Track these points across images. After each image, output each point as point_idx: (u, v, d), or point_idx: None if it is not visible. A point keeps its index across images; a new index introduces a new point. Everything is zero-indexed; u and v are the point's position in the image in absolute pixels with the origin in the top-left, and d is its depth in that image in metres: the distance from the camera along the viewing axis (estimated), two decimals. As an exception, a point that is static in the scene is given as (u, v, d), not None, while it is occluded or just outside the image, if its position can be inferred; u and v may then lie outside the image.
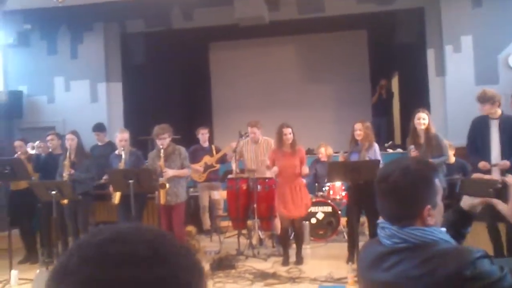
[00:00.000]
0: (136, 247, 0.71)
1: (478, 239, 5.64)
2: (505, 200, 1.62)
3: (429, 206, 1.54)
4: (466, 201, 1.75)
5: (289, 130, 6.22)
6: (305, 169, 6.27)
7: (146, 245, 0.71)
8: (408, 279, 1.47)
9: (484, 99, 5.59)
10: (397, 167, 1.57)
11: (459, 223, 1.75)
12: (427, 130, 5.91)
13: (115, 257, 0.69)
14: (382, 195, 1.59)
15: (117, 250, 0.70)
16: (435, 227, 1.54)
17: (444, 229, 1.57)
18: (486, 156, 5.66)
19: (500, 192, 1.61)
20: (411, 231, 1.51)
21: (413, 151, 5.90)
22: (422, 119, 5.91)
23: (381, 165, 5.92)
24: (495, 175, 5.52)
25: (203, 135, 8.13)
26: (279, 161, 6.25)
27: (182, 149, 6.26)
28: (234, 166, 7.17)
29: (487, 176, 1.77)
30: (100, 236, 0.72)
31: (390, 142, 10.04)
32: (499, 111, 5.63)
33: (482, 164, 5.59)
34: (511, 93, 8.43)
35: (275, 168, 6.20)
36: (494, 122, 5.62)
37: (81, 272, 0.68)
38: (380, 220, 1.63)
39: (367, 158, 5.94)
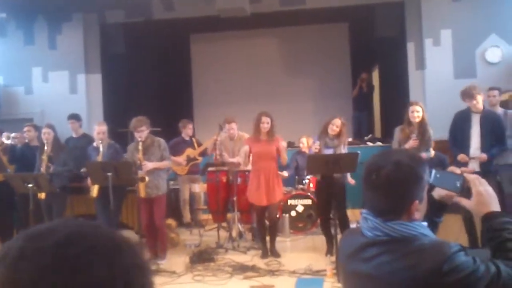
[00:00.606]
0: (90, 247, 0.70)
1: (453, 230, 5.74)
2: (467, 195, 1.64)
3: (417, 201, 1.55)
4: (437, 192, 1.76)
5: (268, 119, 6.17)
6: (285, 157, 6.28)
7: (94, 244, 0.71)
8: (387, 272, 1.49)
9: (466, 95, 5.75)
10: (388, 161, 1.56)
11: (431, 212, 1.76)
12: (421, 122, 5.95)
13: (70, 262, 0.68)
14: (371, 188, 1.58)
15: (72, 254, 0.69)
16: (418, 222, 1.55)
17: (425, 223, 1.58)
18: (466, 149, 5.80)
19: (462, 186, 1.63)
20: (394, 225, 1.52)
21: (414, 140, 5.90)
22: (416, 112, 5.95)
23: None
24: (473, 167, 5.64)
25: (189, 129, 8.12)
26: (254, 147, 6.22)
27: (162, 141, 6.21)
28: (217, 154, 7.12)
29: (457, 170, 1.78)
30: (51, 240, 0.70)
31: (370, 136, 10.11)
32: (481, 106, 5.75)
33: (460, 157, 5.72)
34: (488, 87, 8.58)
35: (246, 147, 6.15)
36: (476, 116, 5.74)
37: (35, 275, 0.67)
38: (364, 210, 1.62)
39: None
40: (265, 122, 6.15)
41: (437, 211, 1.78)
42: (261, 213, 6.29)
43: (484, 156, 5.64)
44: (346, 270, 1.71)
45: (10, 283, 0.67)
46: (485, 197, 1.59)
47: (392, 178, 1.52)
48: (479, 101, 5.75)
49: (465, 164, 5.75)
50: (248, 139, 6.42)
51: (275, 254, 6.23)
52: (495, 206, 1.59)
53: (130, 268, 0.73)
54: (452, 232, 5.78)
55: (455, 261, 1.41)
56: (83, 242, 0.71)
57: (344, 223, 5.98)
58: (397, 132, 6.12)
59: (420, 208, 1.56)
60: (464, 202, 1.63)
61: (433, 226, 1.75)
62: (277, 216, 6.59)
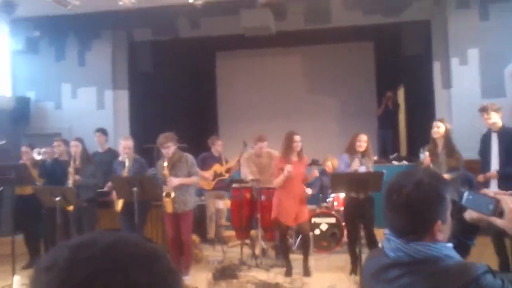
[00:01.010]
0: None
1: (483, 252, 5.61)
2: (500, 215, 1.61)
3: (439, 222, 1.52)
4: (469, 213, 1.73)
5: (299, 137, 6.19)
6: (314, 172, 6.31)
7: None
8: None
9: (480, 110, 5.75)
10: (410, 180, 1.54)
11: (462, 234, 1.73)
12: (445, 138, 5.90)
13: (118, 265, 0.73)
14: (393, 208, 1.56)
15: (118, 259, 0.73)
16: (442, 243, 1.52)
17: (450, 245, 1.55)
18: (487, 168, 5.76)
19: (495, 209, 1.60)
20: (417, 246, 1.50)
21: (427, 157, 5.86)
22: (436, 128, 5.91)
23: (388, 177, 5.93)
24: (493, 186, 5.58)
25: (219, 146, 8.14)
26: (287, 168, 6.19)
27: (189, 157, 6.23)
28: (248, 176, 7.08)
29: (490, 192, 1.74)
30: (97, 248, 0.75)
31: (396, 154, 10.02)
32: (499, 123, 5.71)
33: (479, 177, 5.72)
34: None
35: (289, 166, 6.02)
36: (494, 135, 5.73)
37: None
38: (387, 231, 1.61)
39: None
40: (297, 140, 6.14)
41: (469, 233, 1.74)
42: (285, 231, 6.27)
43: (493, 173, 5.60)
44: None
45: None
46: None
47: (413, 198, 1.50)
48: (492, 117, 5.70)
49: (486, 184, 5.71)
50: (280, 160, 6.29)
51: (307, 272, 6.17)
52: None
53: (166, 273, 0.77)
54: (482, 255, 5.66)
55: (482, 283, 1.37)
56: (125, 250, 0.75)
57: (372, 241, 5.93)
58: (421, 155, 6.06)
59: (443, 229, 1.53)
60: (497, 221, 1.61)
61: (465, 249, 1.72)
62: (309, 233, 6.54)
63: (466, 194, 1.68)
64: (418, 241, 1.51)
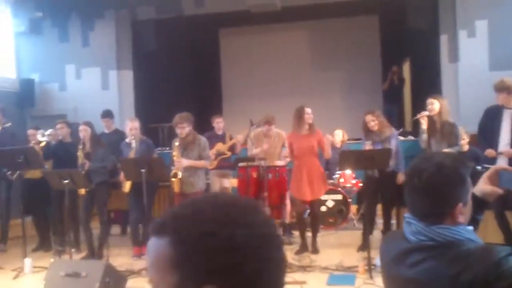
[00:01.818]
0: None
1: (487, 227, 5.62)
2: None
3: (461, 204, 1.52)
4: (480, 188, 1.72)
5: (310, 110, 6.21)
6: (328, 151, 6.32)
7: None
8: (433, 278, 1.46)
9: (501, 87, 5.56)
10: (431, 163, 1.53)
11: (472, 209, 1.73)
12: (439, 116, 5.84)
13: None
14: (414, 191, 1.56)
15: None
16: (463, 226, 1.52)
17: (471, 228, 1.55)
18: (494, 145, 5.67)
19: None
20: (438, 229, 1.49)
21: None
22: (430, 105, 5.86)
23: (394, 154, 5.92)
24: (501, 163, 5.52)
25: (218, 123, 8.11)
26: (296, 143, 6.22)
27: (203, 139, 6.20)
28: (254, 150, 7.06)
29: (502, 166, 1.73)
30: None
31: (401, 129, 9.95)
32: None
33: (488, 152, 5.63)
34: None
35: (285, 152, 6.13)
36: (508, 112, 5.59)
37: None
38: (407, 214, 1.60)
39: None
40: (309, 113, 6.15)
41: (478, 208, 1.73)
42: (302, 208, 6.31)
43: (511, 151, 5.50)
44: (389, 275, 1.68)
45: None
46: None
47: (434, 181, 1.50)
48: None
49: (493, 159, 5.64)
50: (289, 136, 6.36)
51: (315, 250, 6.23)
52: None
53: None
54: (486, 230, 5.67)
55: (505, 265, 1.37)
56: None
57: (387, 220, 5.98)
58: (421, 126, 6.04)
59: (464, 212, 1.53)
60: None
61: (474, 223, 1.71)
62: (320, 210, 6.57)
63: (502, 175, 1.67)
64: (440, 224, 1.50)
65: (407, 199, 1.60)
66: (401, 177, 5.89)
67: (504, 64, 8.39)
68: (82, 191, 6.10)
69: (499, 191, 1.67)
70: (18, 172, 6.37)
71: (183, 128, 5.99)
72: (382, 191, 6.03)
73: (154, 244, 0.85)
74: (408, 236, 1.57)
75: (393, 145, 6.03)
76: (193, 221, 0.82)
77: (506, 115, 5.64)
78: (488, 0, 8.59)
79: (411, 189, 1.56)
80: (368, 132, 6.13)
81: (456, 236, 1.48)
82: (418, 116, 5.88)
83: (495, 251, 1.41)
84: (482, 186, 1.70)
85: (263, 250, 0.82)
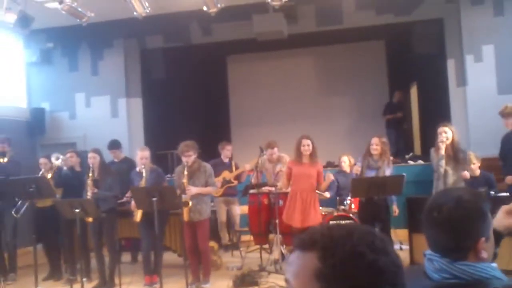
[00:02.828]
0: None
1: (503, 253, 5.54)
2: None
3: (483, 239, 1.49)
4: (501, 222, 1.70)
5: (308, 141, 6.23)
6: (323, 184, 6.33)
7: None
8: None
9: (507, 114, 5.59)
10: (450, 197, 1.52)
11: None
12: (452, 144, 5.85)
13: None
14: (433, 225, 1.53)
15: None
16: (487, 263, 1.48)
17: (495, 265, 1.51)
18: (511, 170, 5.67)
19: None
20: (462, 266, 1.46)
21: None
22: (444, 133, 5.86)
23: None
24: None
25: (227, 151, 8.13)
26: (295, 169, 6.27)
27: (208, 167, 6.24)
28: (254, 180, 7.10)
29: None
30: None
31: (411, 154, 9.94)
32: None
33: (508, 179, 5.60)
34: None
35: (286, 170, 6.17)
36: None
37: None
38: (428, 251, 1.57)
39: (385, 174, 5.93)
40: (306, 145, 6.19)
41: (495, 241, 1.72)
42: (296, 234, 6.26)
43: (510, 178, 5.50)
44: None
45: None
46: None
47: (455, 214, 1.48)
48: None
49: (510, 187, 5.65)
50: (290, 162, 6.45)
51: None
52: None
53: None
54: (503, 255, 5.60)
55: None
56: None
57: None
58: (432, 153, 6.03)
59: (487, 247, 1.49)
60: None
61: (493, 257, 1.70)
62: None
63: None
64: (463, 261, 1.47)
65: (426, 234, 1.57)
66: (395, 210, 6.30)
67: (511, 88, 8.41)
68: (90, 219, 6.10)
69: None
70: (27, 201, 6.38)
71: (190, 156, 6.02)
72: (378, 216, 5.92)
73: (299, 257, 0.99)
74: (431, 274, 1.52)
75: (387, 174, 6.02)
76: (344, 241, 0.96)
77: None
78: (493, 25, 8.67)
79: (431, 223, 1.54)
80: (367, 154, 6.12)
81: (482, 274, 1.44)
82: (439, 141, 5.85)
83: None
84: (509, 221, 1.68)
85: (396, 276, 0.97)
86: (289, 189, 6.74)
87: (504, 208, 1.68)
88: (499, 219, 1.70)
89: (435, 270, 1.52)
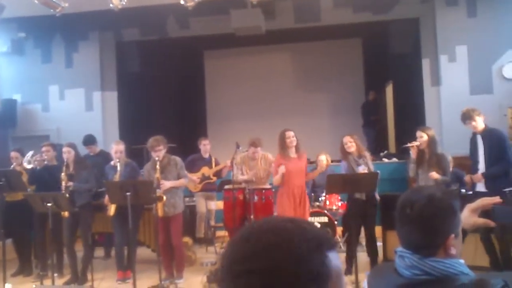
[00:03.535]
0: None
1: (469, 249, 5.66)
2: None
3: (453, 235, 1.53)
4: (469, 222, 1.74)
5: (292, 133, 6.22)
6: (311, 177, 6.30)
7: None
8: None
9: (464, 118, 5.81)
10: (422, 195, 1.56)
11: None
12: (428, 148, 5.96)
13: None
14: (406, 222, 1.56)
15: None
16: (455, 259, 1.52)
17: (462, 261, 1.55)
18: (475, 169, 5.90)
19: None
20: (433, 263, 1.49)
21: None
22: (419, 137, 5.99)
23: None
24: (480, 187, 5.70)
25: (205, 146, 8.08)
26: (286, 166, 6.16)
27: (178, 159, 6.23)
28: (240, 176, 7.01)
29: (489, 200, 1.77)
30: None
31: (386, 152, 10.06)
32: (481, 125, 5.77)
33: (466, 178, 5.84)
34: (506, 103, 8.55)
35: (282, 167, 6.06)
36: (479, 137, 5.82)
37: None
38: (399, 248, 1.60)
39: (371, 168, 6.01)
40: (290, 136, 6.17)
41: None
42: None
43: (478, 176, 5.69)
44: None
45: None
46: None
47: (426, 211, 1.52)
48: (478, 122, 5.76)
49: (473, 184, 5.84)
50: (278, 158, 6.31)
51: None
52: None
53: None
54: (468, 251, 5.72)
55: None
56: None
57: (372, 241, 6.02)
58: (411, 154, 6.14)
59: (456, 244, 1.53)
60: None
61: None
62: None
63: (496, 210, 1.70)
64: (433, 257, 1.50)
65: (398, 231, 1.60)
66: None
67: (483, 88, 8.60)
68: (66, 213, 5.99)
69: (492, 224, 1.70)
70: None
71: (160, 150, 5.98)
72: (365, 214, 6.05)
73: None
74: (401, 271, 1.55)
75: (371, 169, 6.10)
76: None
77: (479, 141, 5.87)
78: (466, 26, 8.82)
79: (403, 221, 1.57)
80: (345, 153, 6.18)
81: (451, 270, 1.48)
82: (409, 145, 6.00)
83: (490, 285, 1.41)
84: (474, 220, 1.72)
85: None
86: (267, 185, 6.74)
87: (469, 206, 1.72)
88: (465, 217, 1.74)
89: (406, 267, 1.54)
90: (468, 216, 1.71)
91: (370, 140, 10.93)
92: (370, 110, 11.20)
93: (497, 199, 1.73)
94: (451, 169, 6.89)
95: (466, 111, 5.88)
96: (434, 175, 5.84)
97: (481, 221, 1.73)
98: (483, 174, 5.77)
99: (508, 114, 8.95)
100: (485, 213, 1.73)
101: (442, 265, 1.49)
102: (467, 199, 1.79)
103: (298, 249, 0.85)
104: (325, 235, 0.90)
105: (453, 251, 1.52)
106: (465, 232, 1.73)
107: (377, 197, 6.26)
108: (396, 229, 1.61)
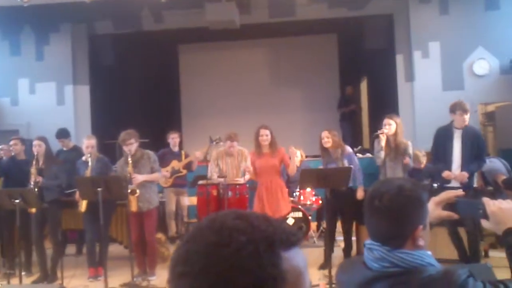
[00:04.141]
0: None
1: (439, 242, 5.75)
2: (486, 218, 1.64)
3: (421, 227, 1.54)
4: (434, 215, 1.74)
5: (266, 131, 6.18)
6: (292, 167, 6.24)
7: None
8: None
9: (453, 108, 5.75)
10: (392, 186, 1.56)
11: None
12: (394, 136, 5.98)
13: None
14: (374, 214, 1.57)
15: None
16: (423, 251, 1.53)
17: (430, 253, 1.56)
18: (447, 165, 5.79)
19: (484, 212, 1.63)
20: (401, 254, 1.50)
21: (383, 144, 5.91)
22: (388, 125, 5.98)
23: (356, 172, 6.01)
24: (454, 182, 5.70)
25: (173, 139, 7.99)
26: (257, 162, 6.21)
27: (151, 153, 6.15)
28: (214, 176, 6.95)
29: (445, 193, 1.79)
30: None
31: (360, 147, 10.12)
32: (467, 121, 5.77)
33: (446, 174, 5.70)
34: (476, 99, 8.69)
35: (249, 169, 6.10)
36: (458, 132, 5.73)
37: None
38: (368, 241, 1.59)
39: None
40: (264, 135, 6.14)
41: None
42: None
43: (464, 174, 5.63)
44: None
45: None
46: (499, 215, 1.59)
47: (395, 202, 1.52)
48: (466, 118, 5.74)
49: (448, 181, 5.79)
50: (252, 154, 6.35)
51: None
52: None
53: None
54: (439, 245, 5.80)
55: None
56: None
57: (348, 235, 6.05)
58: (375, 143, 6.15)
59: (424, 235, 1.55)
60: (485, 223, 1.64)
61: None
62: None
63: (458, 202, 1.71)
64: (401, 248, 1.51)
65: (367, 223, 1.61)
66: (360, 192, 6.00)
67: (455, 84, 8.73)
68: (33, 209, 5.85)
69: (455, 216, 1.72)
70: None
71: (131, 144, 5.89)
72: (341, 208, 6.08)
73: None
74: (370, 263, 1.56)
75: (346, 164, 6.07)
76: None
77: (456, 135, 5.78)
78: (439, 23, 8.94)
79: (372, 212, 1.57)
80: (323, 149, 6.18)
81: (418, 261, 1.50)
82: (379, 132, 5.96)
83: (456, 275, 1.43)
84: (438, 212, 1.73)
85: None
86: (241, 180, 6.71)
87: (434, 199, 1.73)
88: (430, 210, 1.74)
89: (374, 259, 1.54)
90: (433, 209, 1.72)
91: (348, 135, 10.98)
92: (348, 104, 11.22)
93: (460, 192, 1.75)
94: (423, 163, 6.99)
95: (461, 103, 5.76)
96: (408, 160, 5.90)
97: (445, 213, 1.74)
98: (463, 170, 5.63)
99: (479, 110, 9.12)
100: (449, 206, 1.74)
101: (410, 256, 1.50)
102: (438, 194, 1.81)
103: (242, 249, 0.77)
104: (281, 233, 0.82)
105: (421, 242, 1.53)
106: (431, 225, 1.75)
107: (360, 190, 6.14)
108: (365, 221, 1.61)
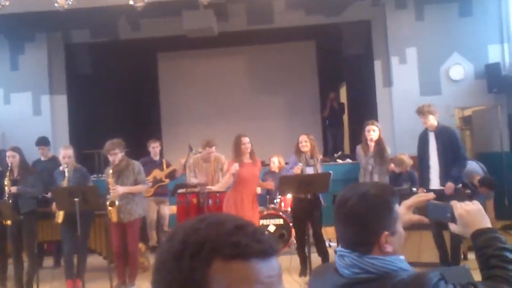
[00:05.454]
0: None
1: (424, 245, 5.79)
2: (455, 221, 1.64)
3: (386, 233, 1.51)
4: (405, 220, 1.74)
5: (247, 139, 6.15)
6: (268, 184, 6.30)
7: None
8: None
9: (420, 112, 5.89)
10: (356, 192, 1.55)
11: None
12: (378, 142, 6.02)
13: None
14: (340, 220, 1.56)
15: None
16: (395, 256, 1.51)
17: (403, 257, 1.55)
18: (426, 167, 5.91)
19: (452, 215, 1.63)
20: (372, 260, 1.48)
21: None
22: (372, 131, 6.03)
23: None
24: (434, 184, 5.77)
25: (154, 148, 7.92)
26: (241, 170, 6.05)
27: (136, 164, 6.04)
28: (193, 180, 6.90)
29: (428, 195, 1.78)
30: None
31: (340, 153, 10.17)
32: (435, 123, 5.86)
33: (420, 191, 5.78)
34: (453, 104, 8.82)
35: (236, 165, 5.97)
36: (431, 134, 5.87)
37: None
38: (338, 248, 1.58)
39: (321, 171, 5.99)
40: (246, 143, 6.09)
41: None
42: None
43: (450, 187, 5.69)
44: None
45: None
46: (466, 218, 1.58)
47: (358, 209, 1.51)
48: (429, 119, 5.84)
49: (428, 183, 5.87)
50: (231, 162, 6.18)
51: None
52: (482, 223, 1.57)
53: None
54: (424, 248, 5.85)
55: None
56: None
57: (319, 240, 5.99)
58: (359, 151, 6.20)
59: (392, 241, 1.52)
60: (453, 227, 1.63)
61: None
62: None
63: (428, 205, 1.71)
64: (370, 254, 1.50)
65: (336, 229, 1.60)
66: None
67: (432, 89, 8.83)
68: (9, 222, 5.71)
69: (426, 220, 1.71)
70: None
71: (116, 154, 5.81)
72: (311, 214, 5.99)
73: (276, 261, 0.87)
74: (341, 270, 1.54)
75: (319, 170, 6.10)
76: None
77: (431, 137, 5.93)
78: (415, 29, 9.05)
79: (338, 219, 1.57)
80: (299, 152, 6.14)
81: (390, 267, 1.48)
82: (368, 138, 6.00)
83: (428, 278, 1.42)
84: (409, 216, 1.72)
85: None
86: (221, 188, 6.65)
87: (405, 203, 1.72)
88: (401, 214, 1.73)
89: (346, 266, 1.53)
90: (404, 213, 1.71)
91: (338, 141, 10.97)
92: (338, 110, 11.16)
93: (431, 195, 1.74)
94: (408, 167, 7.03)
95: (421, 106, 5.93)
96: (393, 166, 5.94)
97: (416, 217, 1.73)
98: (450, 181, 5.69)
99: (455, 114, 9.25)
100: (420, 209, 1.74)
101: (381, 262, 1.48)
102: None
103: (171, 248, 0.80)
104: (220, 241, 0.79)
105: (388, 248, 1.51)
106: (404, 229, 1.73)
107: (322, 201, 6.20)
108: (335, 227, 1.59)
